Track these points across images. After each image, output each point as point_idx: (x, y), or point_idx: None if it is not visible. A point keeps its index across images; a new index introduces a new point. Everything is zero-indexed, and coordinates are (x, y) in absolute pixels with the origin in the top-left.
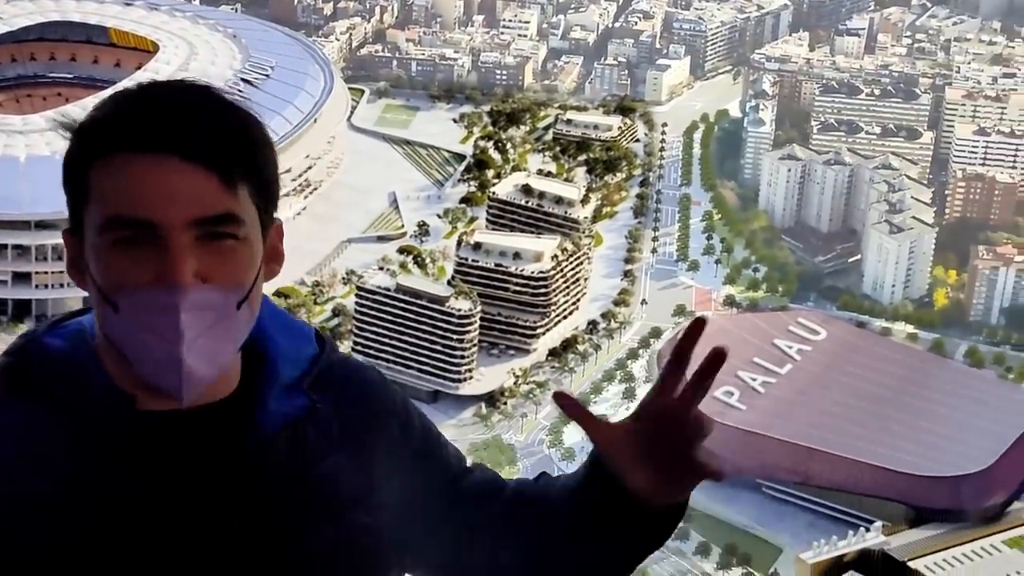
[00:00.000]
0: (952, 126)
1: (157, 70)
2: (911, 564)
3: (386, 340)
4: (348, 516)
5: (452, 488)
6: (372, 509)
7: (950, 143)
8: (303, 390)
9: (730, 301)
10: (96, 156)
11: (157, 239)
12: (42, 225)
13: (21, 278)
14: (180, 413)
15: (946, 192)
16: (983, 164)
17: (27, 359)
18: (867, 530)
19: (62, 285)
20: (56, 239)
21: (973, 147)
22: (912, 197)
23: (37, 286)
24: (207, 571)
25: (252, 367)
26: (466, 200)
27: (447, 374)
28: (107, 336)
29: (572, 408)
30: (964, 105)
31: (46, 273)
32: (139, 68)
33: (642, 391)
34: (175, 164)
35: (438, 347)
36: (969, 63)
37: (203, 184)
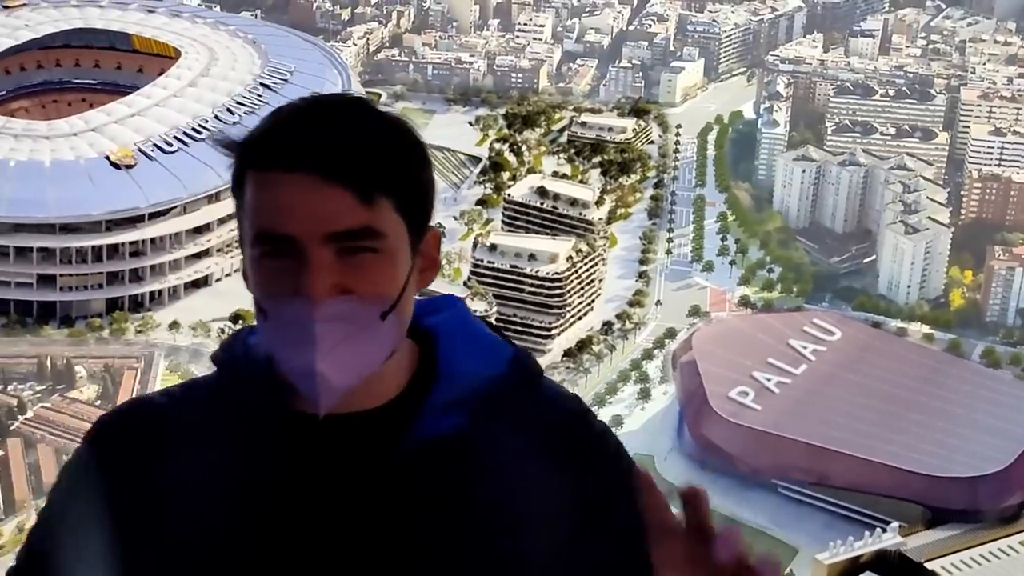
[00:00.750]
0: (967, 127)
1: (179, 75)
2: (928, 565)
3: None
4: (484, 545)
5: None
6: (515, 545)
7: (965, 144)
8: (465, 409)
9: (745, 302)
10: (249, 170)
11: (298, 253)
12: (66, 228)
13: (46, 280)
14: (335, 417)
15: (962, 192)
16: (999, 164)
17: (230, 355)
18: (884, 531)
19: (86, 287)
20: (80, 242)
21: (989, 147)
22: (927, 197)
23: (62, 288)
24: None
25: (424, 378)
26: (482, 202)
27: None
28: (264, 343)
29: (698, 510)
30: (979, 106)
31: (70, 275)
32: (161, 73)
33: (657, 391)
34: (313, 181)
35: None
36: (984, 64)
37: (340, 200)
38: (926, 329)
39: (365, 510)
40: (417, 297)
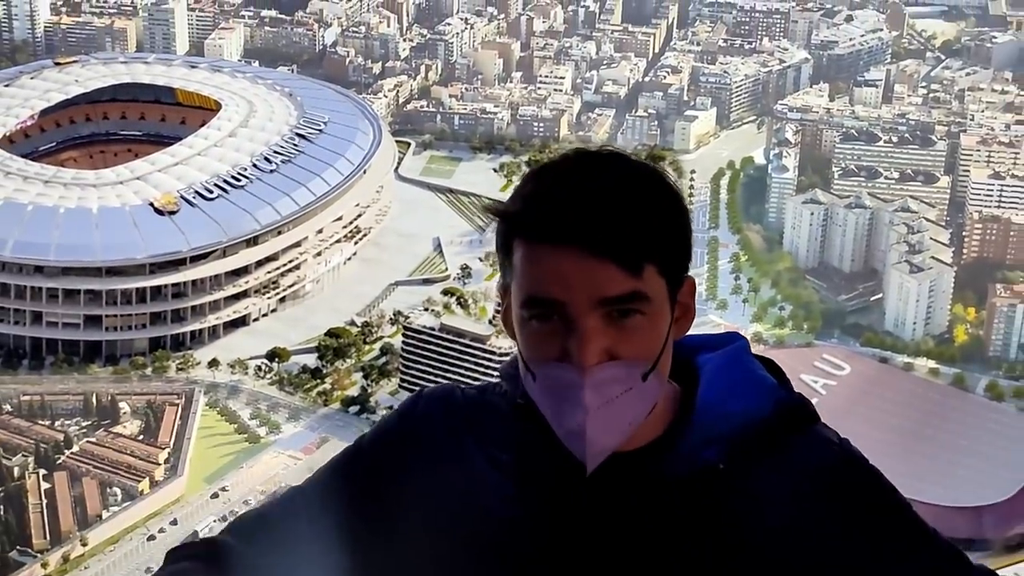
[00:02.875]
0: (968, 171)
1: (219, 127)
2: None
3: (431, 376)
4: None
5: None
6: None
7: (966, 187)
8: (720, 446)
9: (758, 338)
10: (516, 236)
11: (567, 318)
12: (112, 271)
13: (92, 321)
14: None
15: (963, 233)
16: (998, 206)
17: (515, 372)
18: None
19: (130, 327)
20: (125, 284)
21: (988, 190)
22: (931, 238)
23: (107, 328)
24: None
25: (683, 417)
26: None
27: None
28: (533, 397)
29: None
30: (979, 151)
31: (115, 316)
32: (203, 125)
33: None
34: (581, 255)
35: (480, 383)
36: (983, 111)
37: (607, 272)
38: (932, 364)
39: (621, 538)
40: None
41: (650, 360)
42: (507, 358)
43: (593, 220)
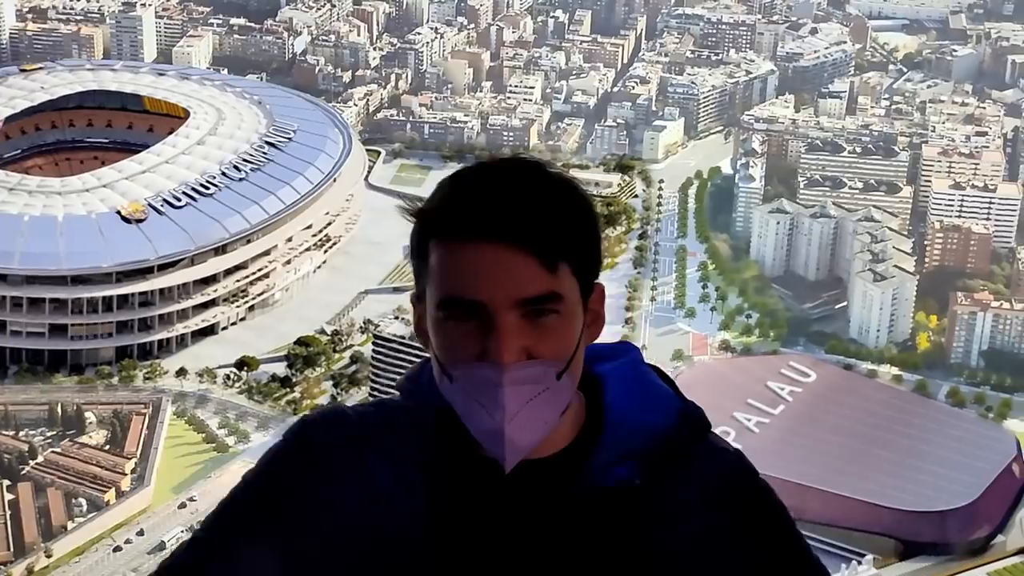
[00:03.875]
0: (929, 181)
1: (188, 134)
2: None
3: None
4: None
5: None
6: None
7: (928, 197)
8: (633, 461)
9: (725, 346)
10: (433, 238)
11: (485, 317)
12: (78, 280)
13: (57, 330)
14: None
15: (925, 242)
16: (959, 216)
17: (416, 386)
18: (859, 563)
19: (96, 336)
20: (91, 293)
21: (949, 200)
22: (893, 247)
23: (72, 337)
24: None
25: (593, 426)
26: None
27: None
28: (445, 398)
29: None
30: (940, 161)
31: (81, 325)
32: (171, 133)
33: None
34: (500, 250)
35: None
36: (944, 123)
37: (526, 268)
38: (895, 371)
39: (537, 554)
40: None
41: (564, 360)
42: None
43: (512, 215)
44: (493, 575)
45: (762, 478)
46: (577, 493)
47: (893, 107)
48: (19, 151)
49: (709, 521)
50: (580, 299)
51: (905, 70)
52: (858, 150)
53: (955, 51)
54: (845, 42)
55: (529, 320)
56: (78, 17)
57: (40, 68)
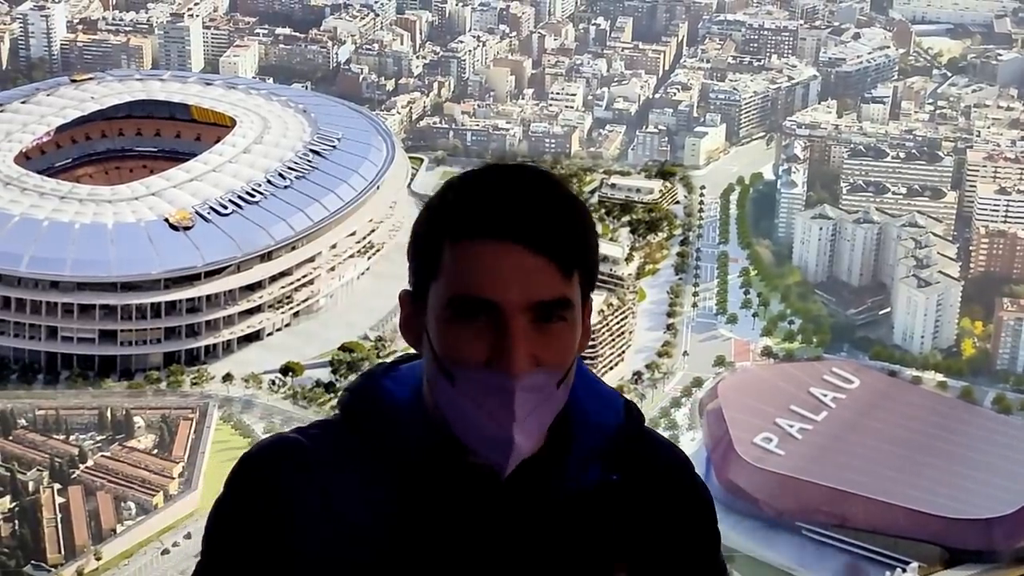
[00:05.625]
0: (974, 186)
1: (234, 143)
2: None
3: None
4: None
5: None
6: None
7: (972, 202)
8: (599, 462)
9: (767, 352)
10: (448, 237)
11: (496, 319)
12: (127, 287)
13: (107, 335)
14: (486, 469)
15: (970, 248)
16: (1004, 221)
17: (365, 400)
18: (904, 571)
19: (145, 342)
20: (140, 299)
21: (995, 205)
22: (938, 253)
23: (122, 343)
24: None
25: (559, 429)
26: None
27: None
28: (436, 401)
29: None
30: (985, 166)
31: (130, 331)
32: (218, 141)
33: (685, 438)
34: (521, 252)
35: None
36: (989, 127)
37: (544, 271)
38: (940, 377)
39: (522, 556)
40: None
41: (565, 368)
42: None
43: (534, 220)
44: (481, 572)
45: (698, 474)
46: (555, 494)
47: (937, 112)
48: (70, 160)
49: (652, 513)
50: (581, 309)
51: (949, 74)
52: (902, 155)
53: (1000, 55)
54: (888, 47)
55: (538, 326)
56: (127, 28)
57: (90, 78)
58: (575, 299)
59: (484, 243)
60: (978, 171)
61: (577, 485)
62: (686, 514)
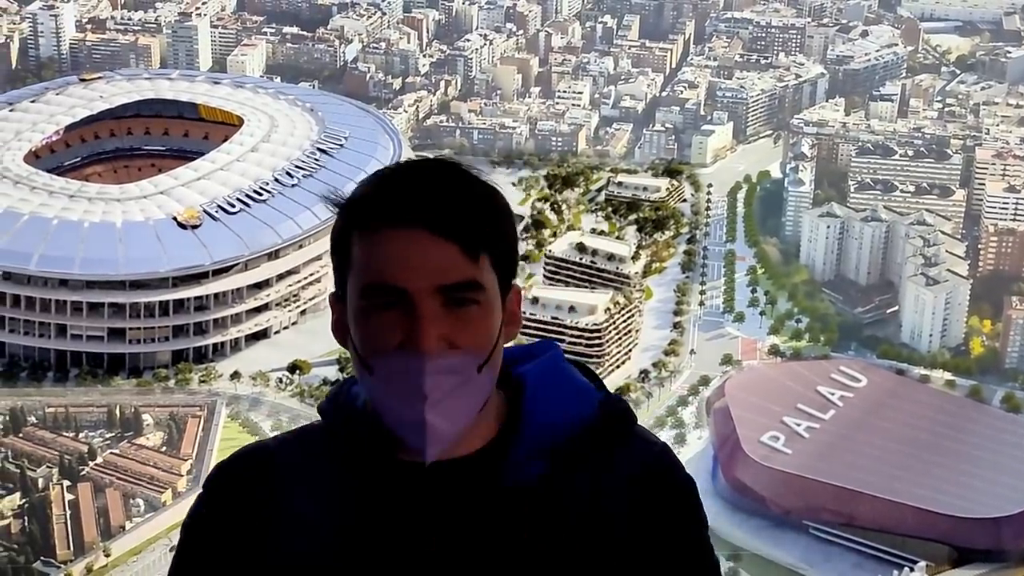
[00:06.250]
0: (983, 184)
1: (242, 142)
2: None
3: None
4: None
5: None
6: None
7: (981, 200)
8: (547, 458)
9: (775, 350)
10: (357, 229)
11: (407, 305)
12: (136, 285)
13: (116, 333)
14: (435, 463)
15: (979, 246)
16: (1013, 219)
17: (335, 405)
18: (911, 570)
19: (153, 340)
20: (148, 298)
21: (1003, 203)
22: (946, 251)
23: (131, 341)
24: None
25: (512, 424)
26: (524, 258)
27: None
28: (366, 395)
29: None
30: (994, 164)
31: (139, 329)
32: (225, 140)
33: (692, 436)
34: (424, 236)
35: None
36: (997, 125)
37: (448, 254)
38: (948, 376)
39: (460, 552)
40: (512, 344)
41: (485, 352)
42: None
43: (434, 204)
44: (423, 570)
45: (685, 473)
46: (495, 487)
47: (946, 110)
48: (79, 159)
49: (629, 509)
50: (499, 295)
51: (958, 72)
52: (910, 153)
53: (1009, 53)
54: (896, 44)
55: (450, 309)
56: (136, 28)
57: (99, 77)
58: (486, 282)
59: (389, 231)
60: (987, 169)
61: (516, 480)
62: (661, 513)
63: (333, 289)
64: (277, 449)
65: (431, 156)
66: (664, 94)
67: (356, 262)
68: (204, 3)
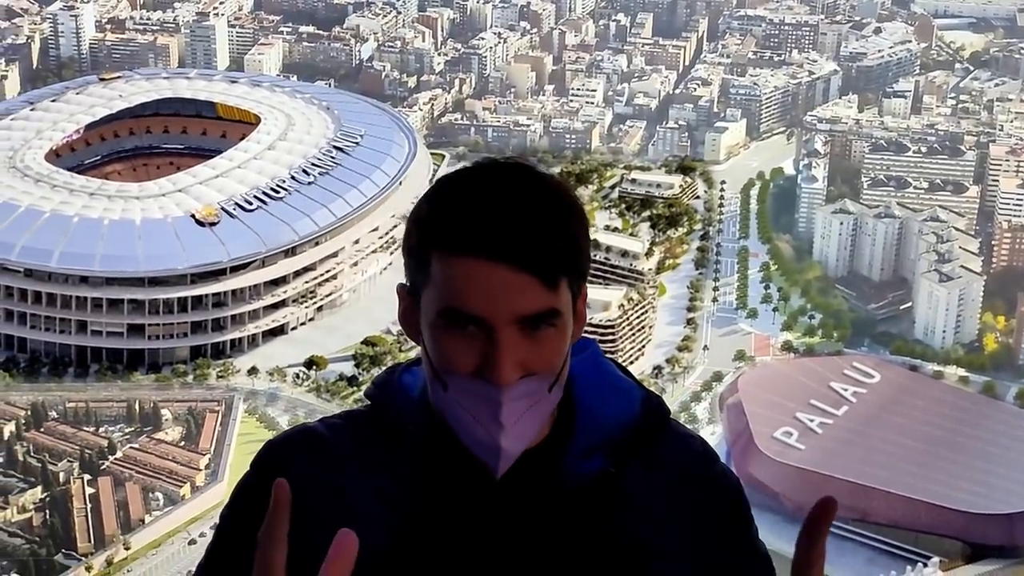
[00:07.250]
0: (997, 180)
1: (259, 140)
2: None
3: None
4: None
5: None
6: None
7: (995, 196)
8: (605, 453)
9: (787, 347)
10: (435, 249)
11: (486, 332)
12: (155, 281)
13: (135, 330)
14: (484, 462)
15: (992, 242)
16: None
17: (385, 392)
18: (925, 566)
19: (172, 336)
20: (167, 294)
21: (1018, 199)
22: (960, 247)
23: (150, 337)
24: None
25: (564, 421)
26: None
27: None
28: (433, 402)
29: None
30: (1008, 160)
31: (158, 325)
32: (243, 138)
33: (705, 432)
34: (503, 270)
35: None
36: (1011, 121)
37: (528, 287)
38: (961, 372)
39: (523, 547)
40: None
41: (556, 371)
42: None
43: (514, 236)
44: (479, 572)
45: (723, 463)
46: (559, 485)
47: (959, 106)
48: (99, 157)
49: (674, 504)
50: (572, 305)
51: (972, 69)
52: (923, 150)
53: (1023, 49)
54: (910, 41)
55: (527, 334)
56: (154, 27)
57: (119, 77)
58: (563, 306)
59: (470, 260)
60: (1000, 165)
61: (575, 477)
62: (705, 505)
63: (403, 281)
64: (327, 431)
65: (503, 160)
66: (677, 91)
67: (434, 279)
68: (222, 3)
